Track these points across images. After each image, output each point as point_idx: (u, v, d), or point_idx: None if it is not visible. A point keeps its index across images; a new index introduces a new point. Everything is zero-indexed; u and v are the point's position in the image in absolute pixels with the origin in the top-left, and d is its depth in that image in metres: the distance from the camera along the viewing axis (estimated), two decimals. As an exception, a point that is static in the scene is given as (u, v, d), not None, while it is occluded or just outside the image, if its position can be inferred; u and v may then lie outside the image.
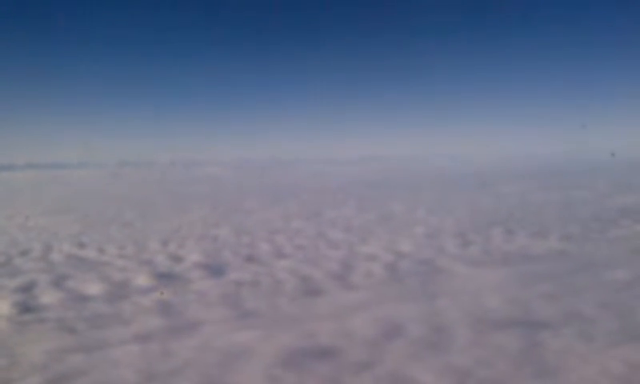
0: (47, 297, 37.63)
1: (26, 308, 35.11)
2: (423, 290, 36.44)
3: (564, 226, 60.32)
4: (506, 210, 77.41)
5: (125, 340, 28.40)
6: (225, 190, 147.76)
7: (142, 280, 41.50)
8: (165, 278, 42.26)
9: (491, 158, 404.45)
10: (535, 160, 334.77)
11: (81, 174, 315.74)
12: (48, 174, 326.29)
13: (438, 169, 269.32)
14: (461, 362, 23.37)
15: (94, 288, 39.42)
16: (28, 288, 40.19)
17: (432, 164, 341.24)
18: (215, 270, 44.49)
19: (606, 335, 26.06)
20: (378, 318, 29.88)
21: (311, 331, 28.37)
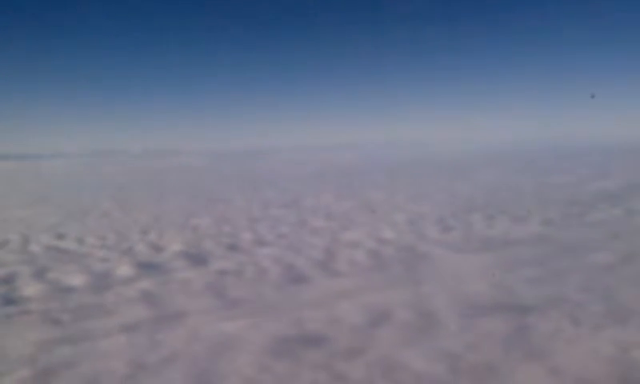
0: (29, 289, 37.22)
1: (8, 300, 34.71)
2: (408, 275, 36.63)
3: (544, 211, 61.02)
4: (484, 196, 78.08)
5: (111, 331, 28.22)
6: (201, 180, 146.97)
7: (124, 270, 41.22)
8: (147, 267, 41.99)
9: (467, 144, 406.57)
10: (513, 146, 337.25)
11: (54, 165, 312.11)
12: (20, 165, 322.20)
13: (413, 155, 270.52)
14: (451, 347, 23.63)
15: (76, 279, 39.08)
16: (9, 280, 39.73)
17: (406, 151, 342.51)
18: (197, 259, 44.33)
19: (592, 318, 26.48)
20: (365, 305, 30.04)
21: (299, 319, 28.45)
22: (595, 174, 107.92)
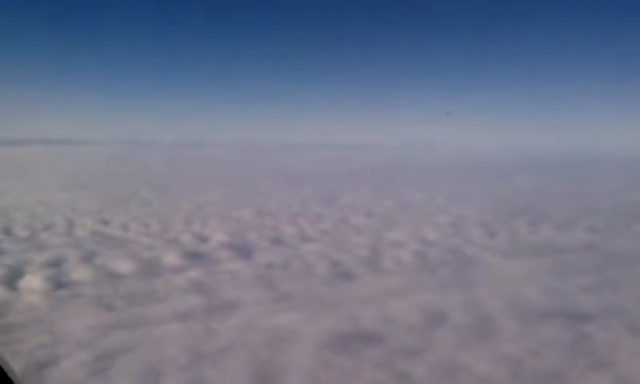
0: (78, 273, 37.53)
1: (58, 283, 35.00)
2: (458, 279, 36.33)
3: (587, 218, 60.11)
4: (525, 201, 77.27)
5: (165, 318, 28.32)
6: (237, 173, 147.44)
7: (171, 258, 41.39)
8: (193, 256, 42.13)
9: (499, 148, 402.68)
10: (543, 151, 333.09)
11: (90, 151, 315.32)
12: (58, 150, 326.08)
13: (447, 157, 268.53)
14: (512, 352, 23.27)
15: (124, 265, 39.30)
16: (57, 263, 40.06)
17: (438, 152, 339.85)
18: (243, 250, 44.36)
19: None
20: (419, 305, 29.78)
21: (352, 315, 28.31)
22: (632, 184, 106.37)
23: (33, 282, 35.17)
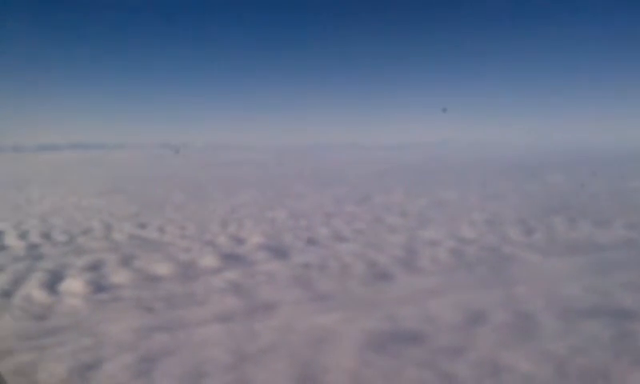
0: (118, 276, 37.95)
1: (98, 287, 35.44)
2: (496, 277, 36.01)
3: (624, 215, 59.06)
4: (560, 198, 76.32)
5: (206, 320, 28.48)
6: (268, 174, 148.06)
7: (208, 260, 41.65)
8: (230, 258, 42.35)
9: (530, 145, 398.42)
10: (574, 147, 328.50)
11: (121, 155, 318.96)
12: (90, 155, 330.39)
13: (475, 155, 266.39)
14: (555, 349, 22.94)
15: (162, 268, 39.63)
16: (96, 267, 40.59)
17: (467, 150, 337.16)
18: (279, 251, 44.46)
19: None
20: (458, 304, 29.52)
21: (392, 315, 28.17)
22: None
23: (73, 285, 35.66)
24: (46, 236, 53.17)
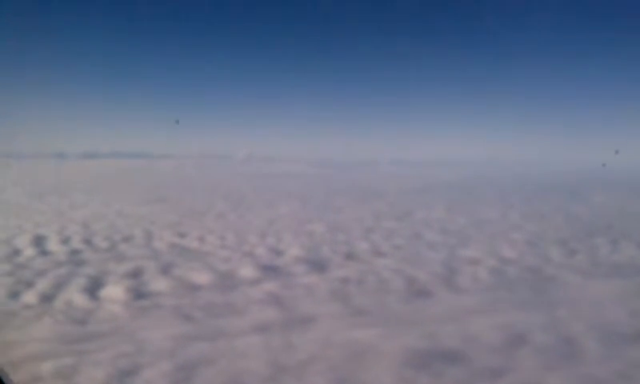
0: (157, 284, 38.25)
1: (139, 294, 35.76)
2: (538, 298, 35.37)
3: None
4: (603, 219, 74.85)
5: (245, 330, 28.47)
6: (308, 187, 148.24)
7: (247, 271, 41.72)
8: (269, 270, 42.37)
9: (569, 164, 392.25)
10: (614, 167, 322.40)
11: (164, 164, 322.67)
12: (132, 163, 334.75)
13: (516, 173, 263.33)
14: (599, 374, 22.42)
15: (202, 277, 39.84)
16: (136, 274, 40.94)
17: (508, 168, 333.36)
18: (317, 265, 44.35)
19: None
20: (500, 325, 29.06)
21: (431, 333, 27.82)
22: None
23: (114, 291, 36.04)
24: (88, 242, 53.90)
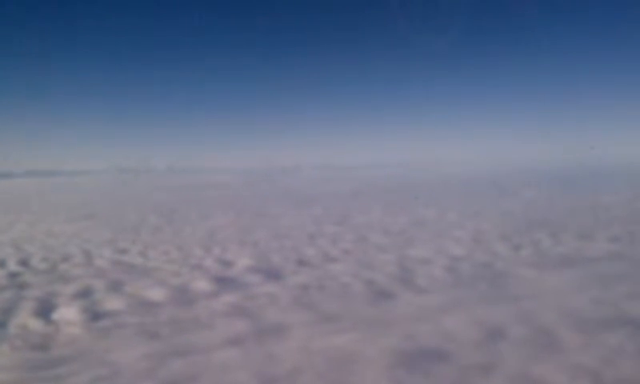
0: (112, 302, 36.81)
1: (95, 314, 34.29)
2: (500, 292, 35.81)
3: (605, 228, 59.93)
4: (538, 214, 77.05)
5: (217, 344, 27.63)
6: (238, 196, 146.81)
7: (201, 285, 40.70)
8: (223, 282, 41.46)
9: (492, 163, 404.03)
10: (540, 165, 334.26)
11: (82, 181, 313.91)
12: (49, 182, 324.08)
13: (445, 174, 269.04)
14: (586, 362, 22.78)
15: (156, 293, 38.60)
16: (86, 294, 39.37)
17: (437, 170, 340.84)
18: (271, 273, 43.75)
19: None
20: (472, 320, 29.25)
21: (409, 333, 27.73)
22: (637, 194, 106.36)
23: (68, 313, 34.46)
24: (25, 264, 51.55)
